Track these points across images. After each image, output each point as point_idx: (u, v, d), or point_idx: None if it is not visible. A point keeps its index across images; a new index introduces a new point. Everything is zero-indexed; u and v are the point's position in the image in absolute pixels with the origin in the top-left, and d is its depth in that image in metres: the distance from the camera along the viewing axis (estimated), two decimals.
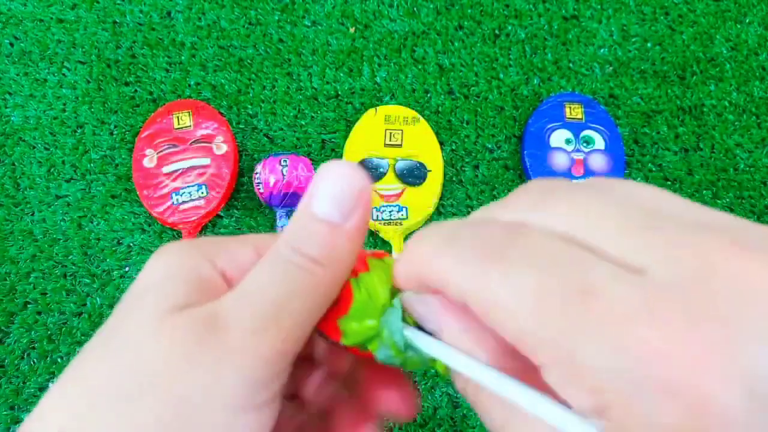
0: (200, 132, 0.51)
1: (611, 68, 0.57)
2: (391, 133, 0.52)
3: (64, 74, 0.54)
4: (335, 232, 0.18)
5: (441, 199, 0.52)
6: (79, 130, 0.53)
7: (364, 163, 0.51)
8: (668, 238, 0.13)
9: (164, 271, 0.18)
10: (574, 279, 0.13)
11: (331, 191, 0.18)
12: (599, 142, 0.53)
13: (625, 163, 0.53)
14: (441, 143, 0.53)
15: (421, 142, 0.52)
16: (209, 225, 0.50)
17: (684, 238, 0.13)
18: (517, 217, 0.15)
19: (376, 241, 0.51)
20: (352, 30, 0.57)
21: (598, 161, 0.52)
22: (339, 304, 0.19)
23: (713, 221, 0.14)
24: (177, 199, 0.49)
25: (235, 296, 0.17)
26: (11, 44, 0.55)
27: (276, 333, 0.17)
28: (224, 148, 0.50)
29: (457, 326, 0.16)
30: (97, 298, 0.48)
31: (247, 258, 0.19)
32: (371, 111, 0.53)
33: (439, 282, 0.16)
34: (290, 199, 0.48)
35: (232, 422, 0.16)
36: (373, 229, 0.50)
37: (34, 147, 0.52)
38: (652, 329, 0.12)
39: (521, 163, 0.53)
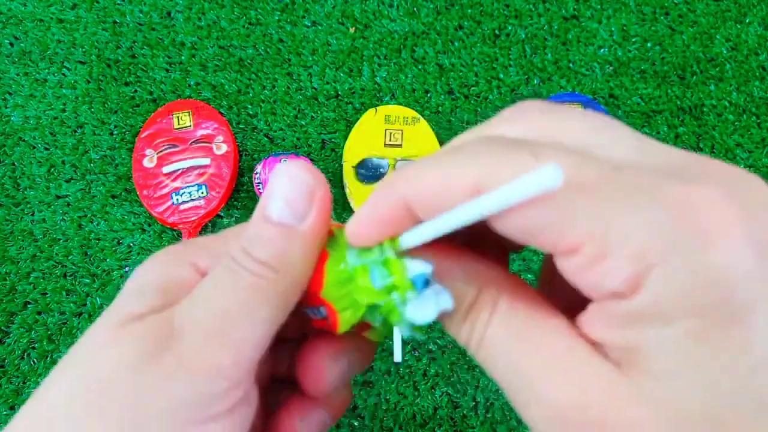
0: (200, 132, 0.51)
1: (611, 68, 0.57)
2: (391, 133, 0.52)
3: (64, 74, 0.54)
4: (289, 234, 0.17)
5: None
6: (79, 130, 0.53)
7: (364, 163, 0.51)
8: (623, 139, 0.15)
9: (136, 280, 0.18)
10: (601, 159, 0.14)
11: (284, 193, 0.18)
12: None
13: None
14: (441, 143, 0.53)
15: (421, 142, 0.52)
16: (209, 225, 0.50)
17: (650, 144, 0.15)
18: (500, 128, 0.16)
19: None
20: (352, 30, 0.57)
21: None
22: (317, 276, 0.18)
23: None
24: (177, 199, 0.49)
25: (189, 304, 0.17)
26: (11, 44, 0.55)
27: (228, 343, 0.16)
28: (224, 148, 0.50)
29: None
30: (97, 298, 0.48)
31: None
32: (371, 111, 0.53)
33: (445, 194, 0.15)
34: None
35: None
36: None
37: (34, 147, 0.52)
38: (683, 186, 0.13)
39: None
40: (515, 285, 0.16)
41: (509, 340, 0.15)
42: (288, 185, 0.18)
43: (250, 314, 0.16)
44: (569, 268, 0.14)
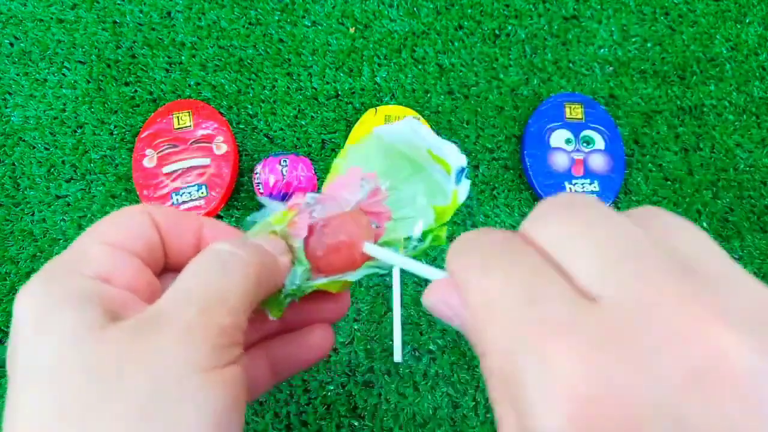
0: (200, 132, 0.51)
1: (611, 68, 0.57)
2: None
3: (64, 74, 0.54)
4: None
5: None
6: (79, 130, 0.53)
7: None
8: (638, 275, 0.13)
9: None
10: (527, 288, 0.14)
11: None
12: (599, 142, 0.53)
13: (625, 163, 0.53)
14: None
15: None
16: None
17: (654, 277, 0.13)
18: (523, 225, 0.17)
19: None
20: (352, 30, 0.57)
21: (598, 161, 0.52)
22: None
23: (711, 271, 0.14)
24: (177, 199, 0.49)
25: (173, 290, 0.19)
26: (11, 44, 0.55)
27: (217, 313, 0.18)
28: (224, 148, 0.50)
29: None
30: None
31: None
32: (371, 111, 0.53)
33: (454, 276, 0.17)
34: (290, 200, 0.48)
35: (203, 384, 0.17)
36: None
37: (34, 147, 0.52)
38: (564, 347, 0.13)
39: (521, 163, 0.53)
40: None
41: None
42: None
43: (232, 288, 0.19)
44: (483, 365, 0.16)
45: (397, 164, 0.25)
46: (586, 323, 0.13)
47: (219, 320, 0.18)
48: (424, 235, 0.24)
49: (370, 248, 0.23)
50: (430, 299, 0.18)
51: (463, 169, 0.23)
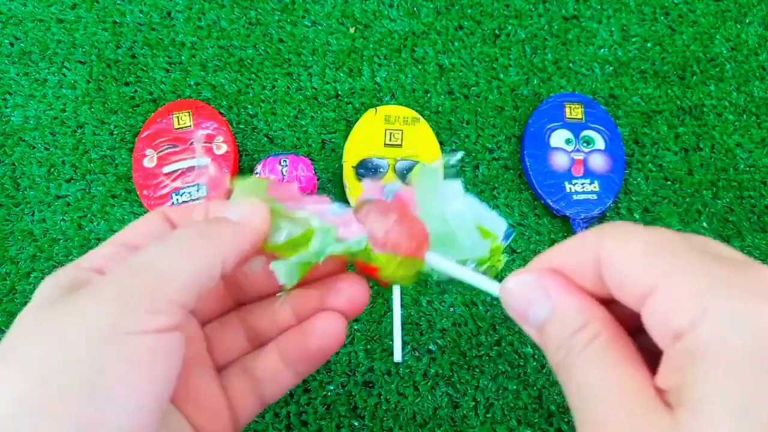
0: (200, 132, 0.51)
1: (611, 68, 0.57)
2: (391, 133, 0.52)
3: (64, 74, 0.54)
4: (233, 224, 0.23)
5: None
6: (79, 130, 0.53)
7: (364, 163, 0.51)
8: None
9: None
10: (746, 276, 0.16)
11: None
12: (599, 142, 0.53)
13: (625, 163, 0.53)
14: (441, 143, 0.53)
15: (421, 142, 0.52)
16: None
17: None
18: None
19: None
20: (352, 30, 0.57)
21: (598, 161, 0.52)
22: None
23: None
24: (177, 200, 0.49)
25: (130, 261, 0.20)
26: (11, 44, 0.55)
27: (151, 281, 0.19)
28: (224, 148, 0.50)
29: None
30: None
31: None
32: (371, 111, 0.53)
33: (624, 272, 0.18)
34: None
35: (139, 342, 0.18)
36: None
37: (34, 147, 0.52)
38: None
39: (521, 163, 0.53)
40: (616, 329, 0.19)
41: (592, 369, 0.18)
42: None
43: (187, 269, 0.21)
44: (646, 315, 0.17)
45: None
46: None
47: (151, 286, 0.19)
48: (480, 263, 0.25)
49: (432, 256, 0.23)
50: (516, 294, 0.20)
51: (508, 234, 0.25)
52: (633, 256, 0.17)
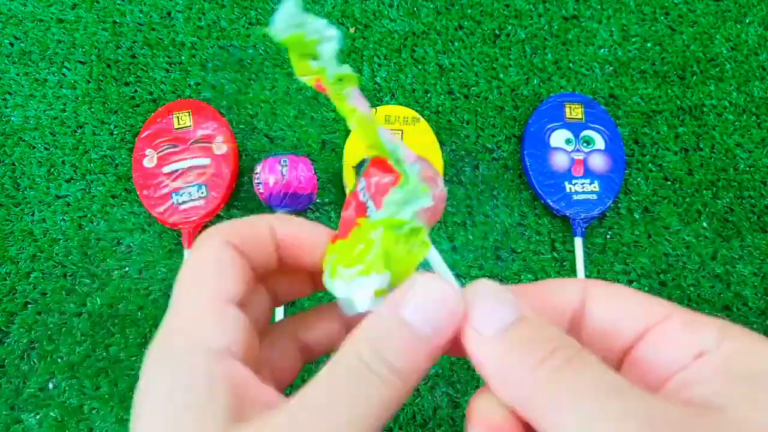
0: (200, 132, 0.51)
1: (611, 68, 0.57)
2: (391, 133, 0.52)
3: (64, 74, 0.54)
4: (421, 344, 0.17)
5: None
6: (79, 130, 0.53)
7: (364, 163, 0.51)
8: None
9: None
10: None
11: (428, 300, 0.17)
12: (599, 142, 0.53)
13: (625, 163, 0.53)
14: (441, 143, 0.53)
15: (421, 142, 0.52)
16: (209, 225, 0.50)
17: None
18: None
19: None
20: (352, 30, 0.57)
21: (598, 161, 0.52)
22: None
23: None
24: (177, 200, 0.49)
25: (301, 408, 0.16)
26: (11, 44, 0.55)
27: None
28: (224, 148, 0.50)
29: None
30: (97, 298, 0.48)
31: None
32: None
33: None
34: (290, 200, 0.48)
35: None
36: None
37: (34, 147, 0.52)
38: None
39: (521, 163, 0.53)
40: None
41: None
42: (433, 293, 0.17)
43: (368, 427, 0.16)
44: (652, 342, 0.17)
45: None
46: None
47: None
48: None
49: (431, 254, 0.20)
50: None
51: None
52: (628, 295, 0.18)
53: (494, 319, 0.17)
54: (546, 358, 0.16)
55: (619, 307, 0.18)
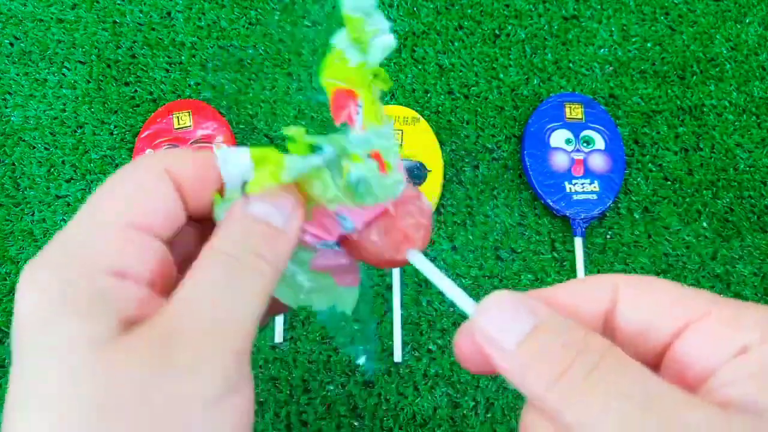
0: (200, 132, 0.51)
1: (611, 68, 0.57)
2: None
3: (64, 74, 0.54)
4: (278, 232, 0.19)
5: (441, 199, 0.52)
6: (79, 130, 0.53)
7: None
8: None
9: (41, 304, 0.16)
10: None
11: (269, 196, 0.19)
12: (599, 142, 0.53)
13: (625, 163, 0.53)
14: (441, 143, 0.53)
15: (421, 142, 0.52)
16: None
17: None
18: None
19: None
20: None
21: (598, 161, 0.52)
22: None
23: None
24: None
25: (184, 307, 0.16)
26: (11, 44, 0.55)
27: (234, 336, 0.16)
28: (224, 148, 0.50)
29: None
30: None
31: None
32: None
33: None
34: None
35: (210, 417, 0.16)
36: None
37: (34, 147, 0.52)
38: None
39: (521, 163, 0.53)
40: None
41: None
42: (271, 190, 0.19)
43: (248, 305, 0.17)
44: (698, 339, 0.16)
45: None
46: None
47: (230, 345, 0.16)
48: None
49: (416, 258, 0.21)
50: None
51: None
52: (663, 291, 0.17)
53: (512, 331, 0.17)
54: (565, 370, 0.15)
55: (653, 306, 0.17)
